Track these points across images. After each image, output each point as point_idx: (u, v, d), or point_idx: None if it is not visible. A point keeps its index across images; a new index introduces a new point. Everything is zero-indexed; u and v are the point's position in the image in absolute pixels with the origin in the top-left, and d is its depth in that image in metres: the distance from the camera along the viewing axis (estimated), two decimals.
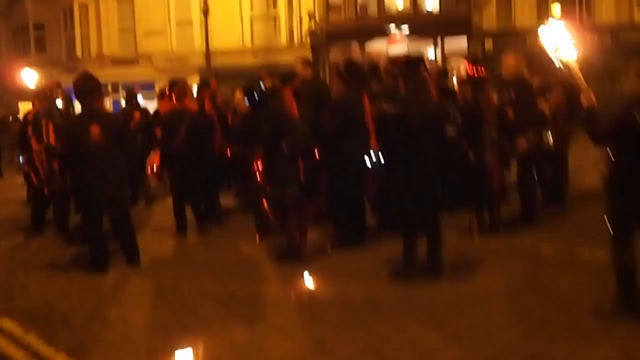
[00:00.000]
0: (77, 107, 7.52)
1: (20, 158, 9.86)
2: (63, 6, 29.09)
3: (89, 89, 6.64)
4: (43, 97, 8.70)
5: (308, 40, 25.88)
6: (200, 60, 26.24)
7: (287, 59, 25.39)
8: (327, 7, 25.89)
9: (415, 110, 5.64)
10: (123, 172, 6.84)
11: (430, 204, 5.85)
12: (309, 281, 6.05)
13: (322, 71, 24.87)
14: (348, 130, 6.88)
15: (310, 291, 5.92)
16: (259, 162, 7.13)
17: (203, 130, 8.45)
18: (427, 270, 5.91)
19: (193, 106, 8.70)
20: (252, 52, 25.96)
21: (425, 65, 6.03)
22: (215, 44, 24.40)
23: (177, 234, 8.31)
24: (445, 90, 8.32)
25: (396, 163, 5.87)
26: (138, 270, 6.74)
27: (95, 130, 6.24)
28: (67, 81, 29.02)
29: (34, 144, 8.18)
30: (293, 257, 6.70)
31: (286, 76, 7.37)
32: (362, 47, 25.06)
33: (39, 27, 31.92)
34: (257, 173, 7.17)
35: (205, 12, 22.78)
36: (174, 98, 8.45)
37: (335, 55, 24.85)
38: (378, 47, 24.12)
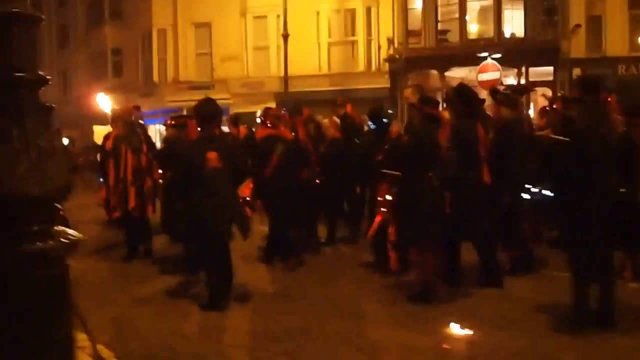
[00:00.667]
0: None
1: (101, 180, 9.86)
2: (141, 32, 29.51)
3: (210, 113, 6.38)
4: (122, 121, 8.55)
5: (386, 67, 25.28)
6: (276, 86, 26.03)
7: (364, 85, 25.04)
8: (407, 33, 25.28)
9: (596, 139, 4.84)
10: (237, 199, 6.36)
11: (607, 245, 5.02)
12: (455, 327, 5.29)
13: (400, 98, 24.24)
14: (466, 160, 6.15)
15: (460, 339, 5.14)
16: (385, 194, 6.47)
17: (297, 158, 8.06)
18: (599, 320, 5.08)
19: (287, 133, 8.32)
20: (329, 78, 25.54)
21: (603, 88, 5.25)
22: (292, 69, 24.11)
23: (269, 265, 7.85)
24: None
25: (567, 197, 5.06)
26: (253, 306, 6.12)
27: (212, 156, 5.91)
28: (144, 106, 29.34)
29: (112, 168, 8.18)
30: (427, 298, 5.96)
31: (433, 101, 6.65)
32: (442, 75, 24.32)
33: (117, 52, 32.56)
34: (383, 206, 6.49)
35: (285, 36, 22.52)
36: (269, 124, 8.12)
37: (414, 82, 24.19)
38: (459, 74, 23.32)
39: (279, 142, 7.80)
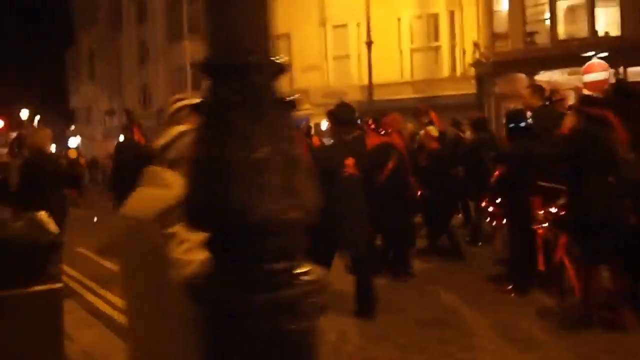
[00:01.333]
0: None
1: None
2: None
3: (348, 118, 6.15)
4: None
5: (471, 72, 24.51)
6: (357, 95, 25.63)
7: (449, 92, 24.35)
8: (493, 36, 24.44)
9: None
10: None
11: None
12: None
13: (487, 104, 23.43)
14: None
15: None
16: (543, 207, 5.87)
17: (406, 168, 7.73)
18: None
19: (400, 141, 7.93)
20: (412, 86, 24.99)
21: None
22: (374, 77, 23.73)
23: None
24: None
25: None
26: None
27: (350, 162, 5.73)
28: None
29: None
30: (583, 326, 5.34)
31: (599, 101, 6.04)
32: (531, 78, 23.32)
33: (196, 66, 32.94)
34: (543, 220, 5.89)
35: (369, 44, 22.11)
36: (382, 132, 7.77)
37: (502, 87, 23.35)
38: (549, 77, 22.31)
39: (392, 151, 7.50)
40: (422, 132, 9.28)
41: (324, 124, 10.31)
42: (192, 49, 32.50)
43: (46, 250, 3.64)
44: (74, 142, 51.42)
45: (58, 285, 3.77)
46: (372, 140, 8.09)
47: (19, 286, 3.51)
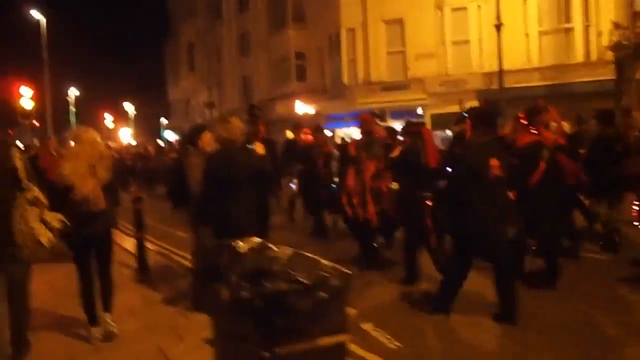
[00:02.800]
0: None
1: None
2: (327, 33, 28.62)
3: (492, 115, 6.01)
4: (363, 129, 8.31)
5: (608, 56, 22.16)
6: (478, 83, 23.89)
7: (583, 78, 22.14)
8: (633, 16, 22.02)
9: None
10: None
11: None
12: None
13: (628, 92, 21.07)
14: None
15: None
16: None
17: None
18: None
19: (550, 136, 7.21)
20: (540, 72, 22.90)
21: None
22: (493, 64, 21.94)
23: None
24: None
25: None
26: None
27: (495, 163, 5.42)
28: (333, 109, 28.40)
29: (351, 178, 7.95)
30: None
31: None
32: None
33: (300, 56, 32.07)
34: None
35: (498, 26, 20.31)
36: (533, 130, 6.97)
37: None
38: None
39: (544, 149, 6.86)
40: (552, 124, 7.96)
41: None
42: (297, 39, 31.56)
43: (336, 294, 2.49)
44: (170, 135, 51.96)
45: (343, 337, 2.62)
46: (522, 139, 7.06)
47: (302, 340, 2.38)
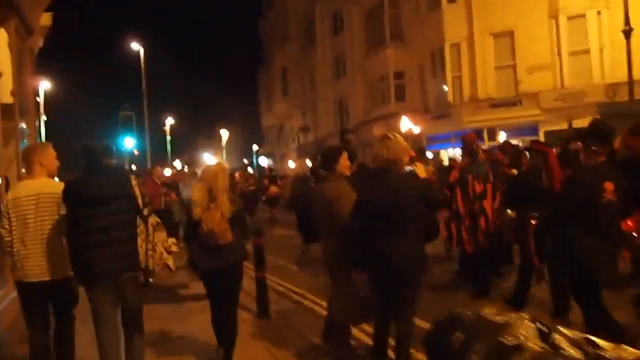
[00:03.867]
0: None
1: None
2: (427, 50, 27.30)
3: (609, 133, 5.25)
4: (466, 151, 8.17)
5: None
6: (598, 96, 21.74)
7: None
8: None
9: None
10: None
11: None
12: None
13: None
14: None
15: None
16: None
17: None
18: None
19: None
20: None
21: None
22: (620, 74, 19.78)
23: None
24: None
25: None
26: None
27: (610, 187, 4.94)
28: (437, 129, 26.60)
29: (460, 203, 7.80)
30: None
31: None
32: None
33: (399, 76, 30.90)
34: None
35: (627, 32, 18.29)
36: None
37: None
38: None
39: None
40: None
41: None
42: (395, 57, 30.44)
43: None
44: (264, 161, 51.96)
45: None
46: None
47: None
